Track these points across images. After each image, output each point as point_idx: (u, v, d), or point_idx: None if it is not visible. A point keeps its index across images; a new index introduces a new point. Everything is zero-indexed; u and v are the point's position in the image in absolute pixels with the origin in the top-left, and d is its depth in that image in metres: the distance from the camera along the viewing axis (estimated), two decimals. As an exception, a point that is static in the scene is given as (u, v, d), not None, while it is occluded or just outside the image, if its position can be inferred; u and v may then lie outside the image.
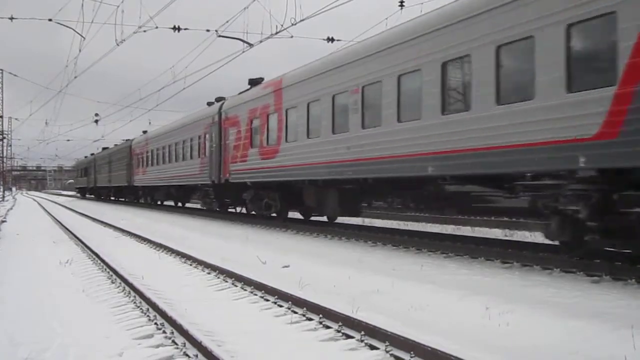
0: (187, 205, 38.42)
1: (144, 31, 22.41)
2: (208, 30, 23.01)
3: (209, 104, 27.78)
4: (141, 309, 8.30)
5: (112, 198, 57.60)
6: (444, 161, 11.72)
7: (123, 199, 53.54)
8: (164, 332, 6.93)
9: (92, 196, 68.88)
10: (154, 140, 36.78)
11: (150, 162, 37.17)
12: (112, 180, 51.10)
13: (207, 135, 25.63)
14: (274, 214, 21.57)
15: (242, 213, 27.58)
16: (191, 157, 28.22)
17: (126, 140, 48.41)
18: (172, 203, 39.87)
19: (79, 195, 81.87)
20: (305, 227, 19.14)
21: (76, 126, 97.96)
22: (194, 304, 8.51)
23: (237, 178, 22.26)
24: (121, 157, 46.74)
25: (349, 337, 6.57)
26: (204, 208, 29.61)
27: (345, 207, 17.55)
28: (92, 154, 68.10)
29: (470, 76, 11.04)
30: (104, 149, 60.55)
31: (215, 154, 24.22)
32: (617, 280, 9.30)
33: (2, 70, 54.52)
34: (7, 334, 7.13)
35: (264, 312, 8.12)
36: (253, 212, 23.64)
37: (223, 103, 24.74)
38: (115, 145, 54.19)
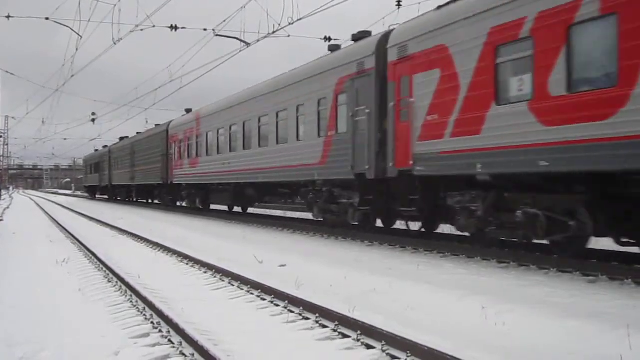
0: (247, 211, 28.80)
1: (141, 30, 22.39)
2: (205, 30, 23.02)
3: (333, 48, 17.57)
4: (137, 308, 8.29)
5: (135, 200, 46.60)
6: None
7: (150, 201, 42.43)
8: (160, 331, 6.92)
9: (105, 197, 58.83)
10: (212, 118, 25.89)
11: (204, 150, 26.84)
12: (136, 177, 40.06)
13: (340, 97, 15.69)
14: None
15: (237, 212, 27.19)
16: (299, 138, 18.01)
17: (157, 125, 38.13)
18: (215, 207, 29.87)
19: (87, 195, 70.41)
20: (302, 226, 19.13)
21: (73, 125, 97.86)
22: (191, 303, 8.50)
23: (442, 167, 12.08)
24: (152, 146, 35.68)
25: (345, 336, 6.57)
26: (320, 219, 18.13)
27: None
28: (105, 146, 56.52)
29: None
30: (121, 138, 49.67)
31: (367, 126, 14.27)
32: (613, 280, 9.32)
33: (-1, 68, 54.28)
34: (3, 333, 7.11)
35: (260, 312, 8.11)
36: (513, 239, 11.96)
37: (390, 33, 14.27)
38: (139, 133, 44.17)
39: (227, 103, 24.60)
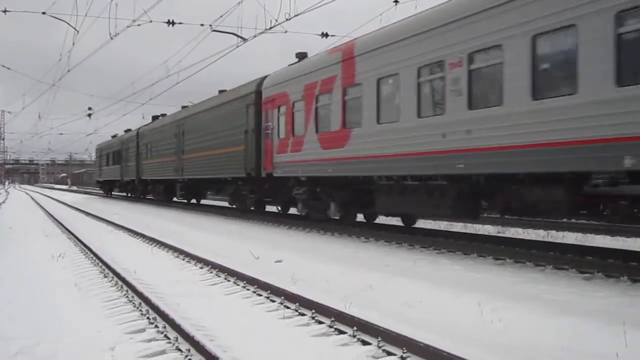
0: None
1: (138, 25, 22.38)
2: (202, 25, 23.01)
3: None
4: (133, 303, 8.28)
5: (179, 200, 33.66)
6: None
7: (194, 202, 32.58)
8: (156, 326, 6.91)
9: (125, 194, 47.14)
10: (396, 51, 13.44)
11: (368, 113, 14.41)
12: (186, 168, 28.18)
13: None
14: None
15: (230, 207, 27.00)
16: None
17: (221, 91, 26.01)
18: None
19: (102, 192, 57.17)
20: (299, 222, 19.12)
21: (69, 120, 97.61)
22: (187, 299, 8.49)
23: None
24: (221, 119, 23.64)
25: (341, 332, 6.56)
26: None
27: None
28: (127, 130, 45.00)
29: None
30: (155, 117, 38.18)
31: None
32: (609, 277, 9.35)
33: (-5, 63, 54.09)
34: (-1, 328, 7.10)
35: (256, 307, 8.10)
36: None
37: None
38: (185, 107, 31.53)
39: (461, 6, 11.83)
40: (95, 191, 68.48)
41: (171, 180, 31.75)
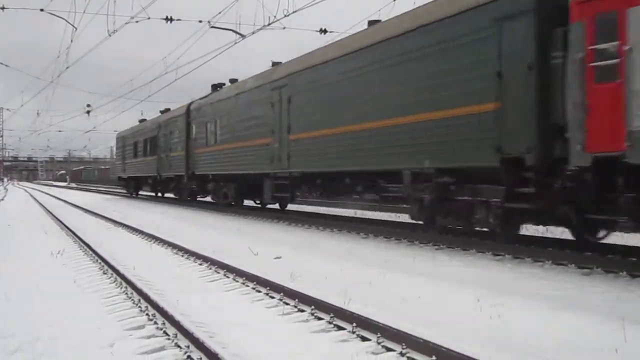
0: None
1: (136, 22, 22.32)
2: (200, 21, 22.95)
3: None
4: (132, 300, 8.28)
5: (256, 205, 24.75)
6: None
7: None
8: (156, 323, 6.90)
9: (155, 194, 37.62)
10: None
11: None
12: (295, 154, 17.60)
13: None
14: None
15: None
16: None
17: (372, 22, 15.73)
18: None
19: (124, 191, 45.43)
20: (298, 218, 19.12)
21: (68, 117, 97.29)
22: (186, 295, 8.49)
23: None
24: (400, 61, 12.86)
25: (340, 328, 6.56)
26: None
27: None
28: (165, 110, 34.61)
29: None
30: (217, 86, 26.77)
31: None
32: (608, 272, 9.35)
33: (-7, 60, 53.92)
34: (-2, 324, 7.09)
35: (255, 304, 8.11)
36: None
37: None
38: (302, 57, 18.32)
39: None
40: (103, 189, 67.79)
41: (257, 175, 20.71)
